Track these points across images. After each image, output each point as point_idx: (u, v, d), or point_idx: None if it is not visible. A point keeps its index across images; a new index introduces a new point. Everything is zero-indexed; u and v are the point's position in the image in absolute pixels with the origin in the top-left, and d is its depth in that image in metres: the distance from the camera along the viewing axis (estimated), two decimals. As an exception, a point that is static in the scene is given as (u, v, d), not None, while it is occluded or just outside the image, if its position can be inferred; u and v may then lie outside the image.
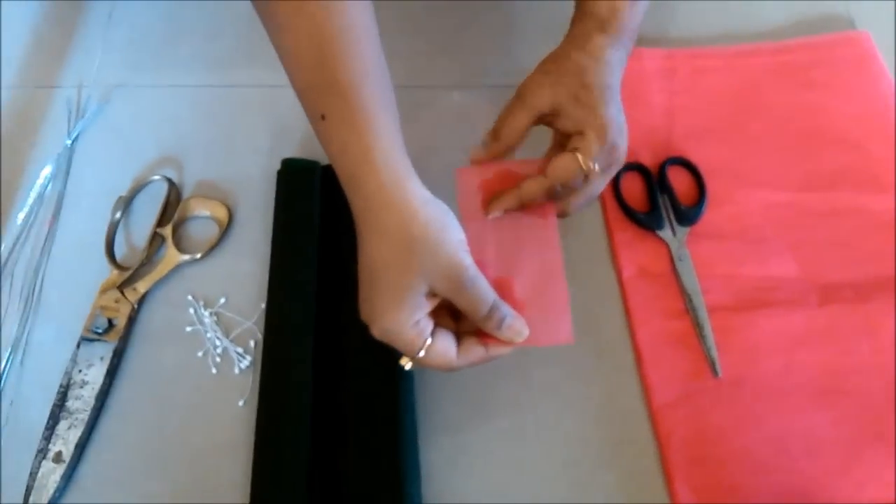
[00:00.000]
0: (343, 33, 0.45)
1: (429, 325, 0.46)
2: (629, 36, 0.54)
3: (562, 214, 0.53)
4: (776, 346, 0.57)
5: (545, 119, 0.53)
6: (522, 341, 0.47)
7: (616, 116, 0.51)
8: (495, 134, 0.53)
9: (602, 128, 0.50)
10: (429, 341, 0.45)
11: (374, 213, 0.45)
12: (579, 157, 0.50)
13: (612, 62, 0.52)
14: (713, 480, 0.52)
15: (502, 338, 0.47)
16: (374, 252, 0.45)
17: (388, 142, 0.45)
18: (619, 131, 0.51)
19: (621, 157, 0.52)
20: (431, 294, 0.45)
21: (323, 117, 0.46)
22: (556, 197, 0.52)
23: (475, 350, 0.47)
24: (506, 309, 0.47)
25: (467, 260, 0.45)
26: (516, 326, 0.47)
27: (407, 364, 0.48)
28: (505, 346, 0.48)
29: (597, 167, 0.50)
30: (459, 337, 0.48)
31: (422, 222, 0.44)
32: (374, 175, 0.45)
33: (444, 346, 0.46)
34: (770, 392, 0.55)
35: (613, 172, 0.53)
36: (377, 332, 0.46)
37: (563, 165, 0.50)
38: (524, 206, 0.52)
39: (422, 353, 0.45)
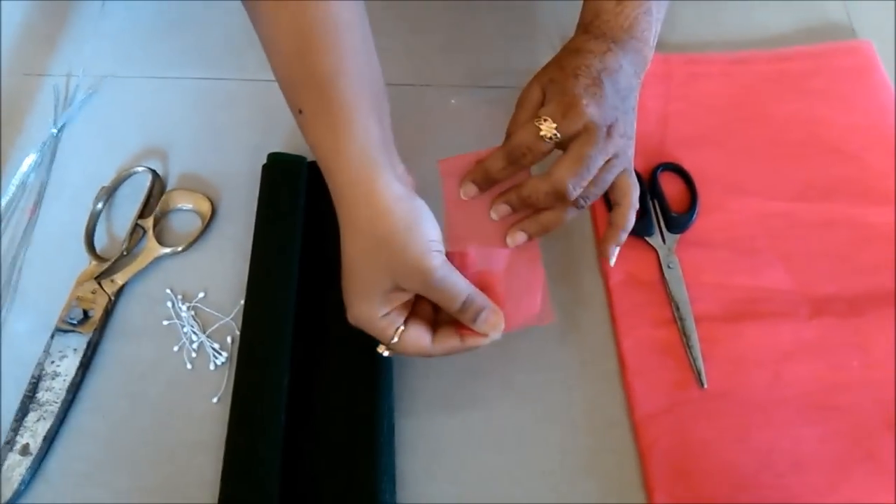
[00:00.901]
0: (323, 27, 0.45)
1: (399, 316, 0.47)
2: (622, 37, 0.53)
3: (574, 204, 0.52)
4: (764, 359, 0.55)
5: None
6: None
7: (584, 93, 0.49)
8: (509, 136, 0.52)
9: (570, 103, 0.49)
10: (401, 329, 0.46)
11: (345, 209, 0.46)
12: (538, 123, 0.49)
13: (593, 52, 0.52)
14: (695, 494, 0.51)
15: (479, 331, 0.47)
16: (348, 245, 0.46)
17: (363, 137, 0.45)
18: (598, 110, 0.49)
19: (620, 145, 0.51)
20: (401, 290, 0.45)
21: (300, 111, 0.46)
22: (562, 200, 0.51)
23: (450, 340, 0.48)
24: (482, 301, 0.47)
25: (436, 260, 0.45)
26: (492, 320, 0.47)
27: (384, 351, 0.49)
28: (481, 338, 0.48)
29: (557, 134, 0.49)
30: (437, 325, 0.48)
31: (390, 221, 0.44)
32: (346, 171, 0.45)
33: (416, 336, 0.47)
34: (757, 405, 0.54)
35: (618, 167, 0.52)
36: (351, 319, 0.47)
37: (521, 131, 0.50)
38: (494, 182, 0.52)
39: (395, 341, 0.46)
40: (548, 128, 0.49)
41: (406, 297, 0.47)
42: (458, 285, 0.46)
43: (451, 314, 0.47)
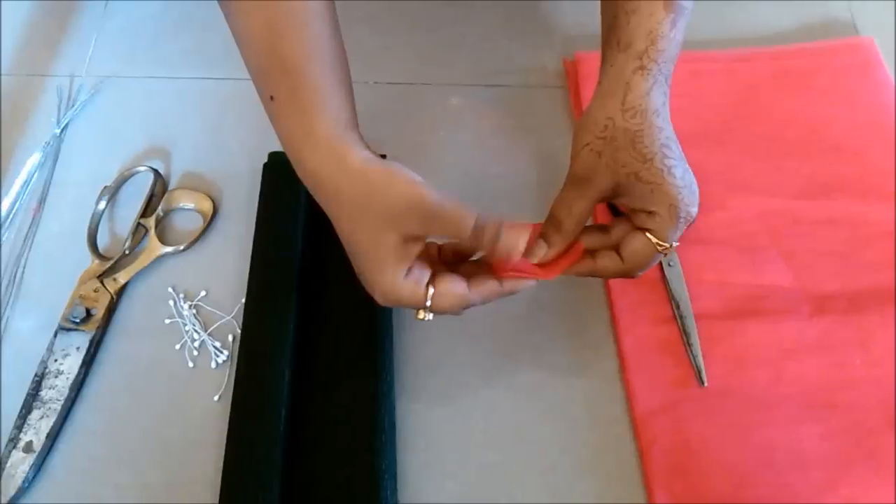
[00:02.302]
0: (292, 16, 0.45)
1: (424, 272, 0.45)
2: (671, 63, 0.48)
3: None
4: (765, 357, 0.55)
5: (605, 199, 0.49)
6: (543, 274, 0.46)
7: (682, 179, 0.46)
8: (556, 226, 0.48)
9: (673, 205, 0.45)
10: (431, 290, 0.45)
11: (323, 187, 0.45)
12: (653, 239, 0.46)
13: (660, 106, 0.46)
14: (695, 492, 0.50)
15: (504, 252, 0.44)
16: (340, 223, 0.46)
17: (334, 118, 0.45)
18: (691, 196, 0.46)
19: (694, 216, 0.47)
20: (409, 239, 0.44)
21: (272, 98, 0.46)
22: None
23: (488, 284, 0.46)
24: (497, 223, 0.44)
25: (423, 189, 0.43)
26: (515, 232, 0.44)
27: (425, 316, 0.46)
28: (521, 278, 0.46)
29: (674, 244, 0.47)
30: (469, 276, 0.46)
31: (367, 175, 0.44)
32: (316, 150, 0.45)
33: (449, 286, 0.45)
34: (757, 403, 0.53)
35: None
36: (379, 299, 0.46)
37: (637, 249, 0.47)
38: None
39: (429, 302, 0.45)
40: (660, 243, 0.46)
41: (417, 247, 0.44)
42: (461, 207, 0.43)
43: (469, 245, 0.45)
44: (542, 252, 0.48)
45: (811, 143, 0.64)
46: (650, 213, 0.46)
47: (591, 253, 0.49)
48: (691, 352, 0.55)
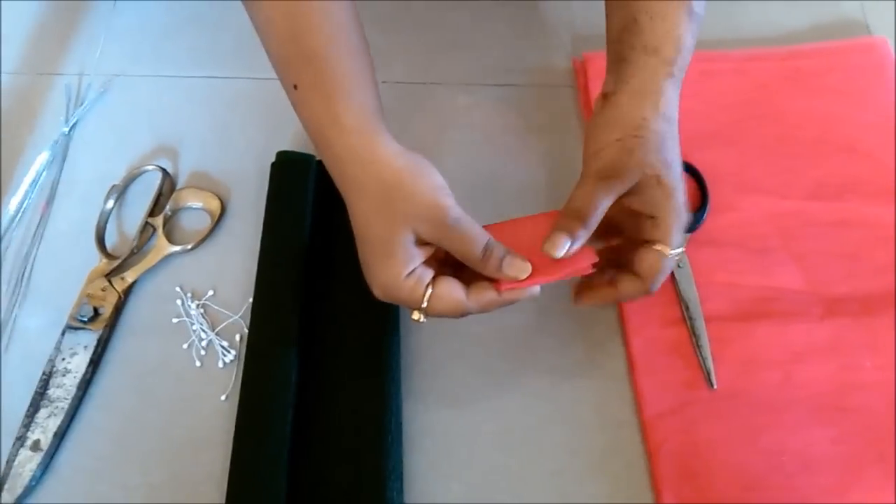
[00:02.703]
0: (314, 5, 0.46)
1: (427, 273, 0.45)
2: (684, 73, 0.50)
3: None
4: (775, 359, 0.55)
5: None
6: (543, 278, 0.45)
7: (684, 193, 0.47)
8: (582, 220, 0.46)
9: (677, 212, 0.47)
10: (430, 290, 0.45)
11: (348, 174, 0.46)
12: (661, 249, 0.47)
13: (677, 117, 0.49)
14: (703, 495, 0.50)
15: (506, 279, 0.45)
16: (357, 211, 0.46)
17: (357, 105, 0.46)
18: (686, 207, 0.48)
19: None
20: (421, 242, 0.45)
21: (295, 87, 0.47)
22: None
23: (487, 294, 0.45)
24: (503, 249, 0.45)
25: (448, 201, 0.44)
26: (517, 264, 0.45)
27: (419, 317, 0.46)
28: (519, 288, 0.45)
29: (682, 249, 0.48)
30: (469, 283, 0.46)
31: (395, 170, 0.45)
32: (344, 136, 0.45)
33: (448, 290, 0.45)
34: (767, 406, 0.53)
35: None
36: (377, 291, 0.46)
37: (651, 263, 0.47)
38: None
39: (425, 303, 0.45)
40: (668, 251, 0.47)
41: (426, 252, 0.45)
42: (475, 228, 0.44)
43: (474, 267, 0.45)
44: (567, 246, 0.45)
45: (823, 144, 0.64)
46: (655, 219, 0.47)
47: (609, 282, 0.49)
48: (700, 354, 0.55)
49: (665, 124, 0.48)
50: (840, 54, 0.68)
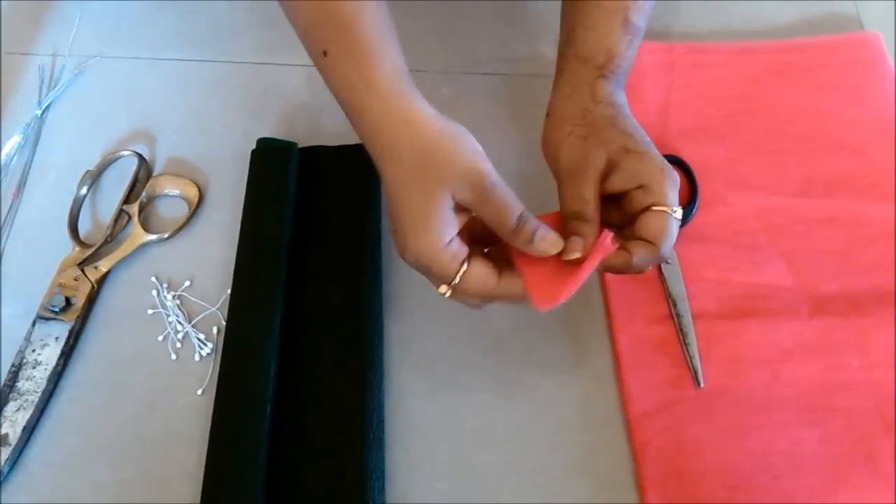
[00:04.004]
0: None
1: (463, 248, 0.44)
2: (626, 76, 0.52)
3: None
4: (763, 358, 0.54)
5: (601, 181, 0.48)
6: (582, 274, 0.44)
7: (661, 156, 0.47)
8: (581, 217, 0.46)
9: (662, 169, 0.46)
10: (465, 267, 0.44)
11: (383, 139, 0.45)
12: (662, 209, 0.46)
13: (624, 103, 0.50)
14: (689, 495, 0.50)
15: (536, 253, 0.44)
16: (392, 177, 0.44)
17: (390, 70, 0.45)
18: (669, 167, 0.47)
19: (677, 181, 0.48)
20: (458, 209, 0.44)
21: (325, 53, 0.46)
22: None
23: (516, 285, 0.45)
24: (536, 221, 0.44)
25: (487, 165, 0.44)
26: (550, 238, 0.44)
27: (446, 292, 0.45)
28: (562, 294, 0.44)
29: (678, 208, 0.47)
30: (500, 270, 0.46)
31: (433, 133, 0.44)
32: (379, 102, 0.45)
33: (482, 273, 0.44)
34: (754, 405, 0.52)
35: None
36: (410, 258, 0.45)
37: (657, 224, 0.46)
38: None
39: (457, 279, 0.44)
40: (670, 211, 0.46)
41: (462, 220, 0.44)
42: (512, 196, 0.44)
43: (505, 237, 0.44)
44: (580, 247, 0.45)
45: (813, 140, 0.63)
46: (643, 187, 0.46)
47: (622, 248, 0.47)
48: (688, 352, 0.54)
49: (609, 108, 0.49)
50: (832, 49, 0.68)
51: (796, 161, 0.62)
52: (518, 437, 0.52)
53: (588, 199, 0.46)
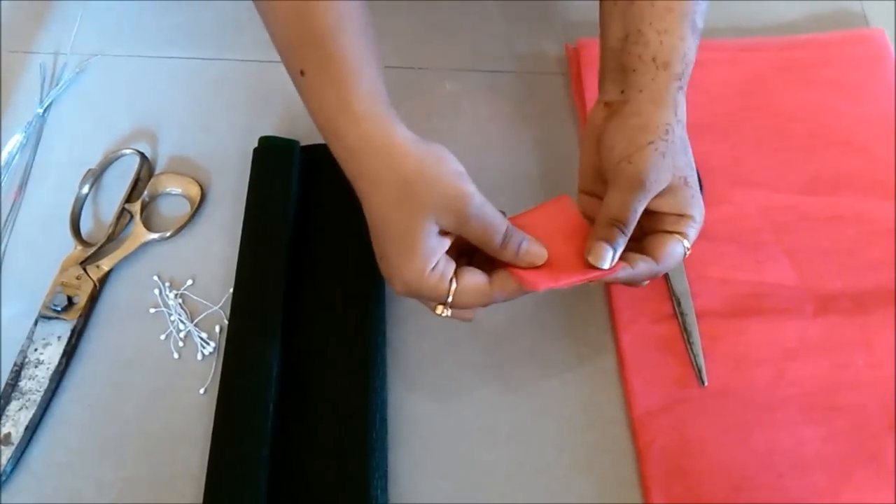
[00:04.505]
0: None
1: (449, 266, 0.44)
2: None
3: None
4: (767, 357, 0.54)
5: None
6: (577, 278, 0.45)
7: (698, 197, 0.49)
8: (623, 229, 0.46)
9: (702, 212, 0.48)
10: (454, 285, 0.44)
11: (362, 165, 0.44)
12: (685, 243, 0.47)
13: (675, 127, 0.49)
14: (693, 494, 0.49)
15: (523, 264, 0.45)
16: (373, 204, 0.44)
17: (368, 92, 0.44)
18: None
19: None
20: (442, 232, 0.43)
21: (302, 72, 0.45)
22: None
23: (509, 282, 0.45)
24: (521, 234, 0.45)
25: (470, 188, 0.43)
26: (534, 250, 0.45)
27: (443, 312, 0.45)
28: (553, 286, 0.45)
29: (689, 248, 0.48)
30: (490, 273, 0.46)
31: (413, 159, 0.43)
32: (356, 125, 0.43)
33: (473, 281, 0.44)
34: (758, 404, 0.52)
35: None
36: (399, 288, 0.44)
37: (674, 252, 0.47)
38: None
39: (451, 298, 0.44)
40: (688, 245, 0.48)
41: (447, 242, 0.44)
42: (497, 215, 0.44)
43: (493, 253, 0.45)
44: (610, 256, 0.45)
45: (818, 137, 0.63)
46: (682, 217, 0.47)
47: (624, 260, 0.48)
48: (692, 350, 0.54)
49: (683, 131, 0.49)
50: (837, 46, 0.67)
51: (801, 158, 0.62)
52: (521, 437, 0.52)
53: (635, 213, 0.46)
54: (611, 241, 0.45)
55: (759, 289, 0.56)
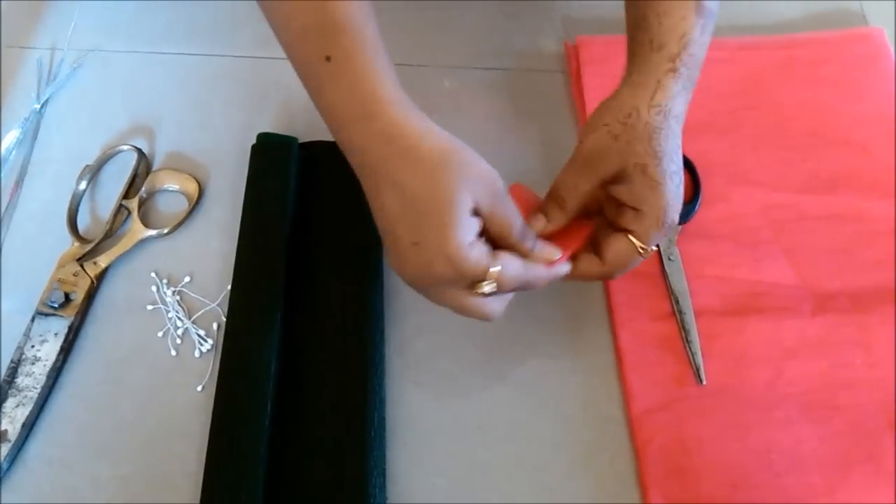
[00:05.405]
0: None
1: (485, 246, 0.44)
2: (698, 70, 0.50)
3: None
4: (765, 355, 0.54)
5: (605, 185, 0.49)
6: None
7: (677, 189, 0.47)
8: (559, 203, 0.48)
9: (662, 209, 0.46)
10: (498, 260, 0.43)
11: (401, 143, 0.43)
12: (635, 241, 0.47)
13: (680, 113, 0.48)
14: (691, 493, 0.49)
15: (537, 258, 0.46)
16: (409, 185, 0.42)
17: (393, 79, 0.44)
18: (677, 206, 0.47)
19: (673, 227, 0.49)
20: (476, 213, 0.43)
21: (328, 59, 0.44)
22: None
23: (537, 267, 0.46)
24: (532, 234, 0.46)
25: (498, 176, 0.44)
26: (547, 249, 0.47)
27: (486, 286, 0.44)
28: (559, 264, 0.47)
29: (653, 248, 0.48)
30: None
31: (446, 138, 0.43)
32: (390, 109, 0.43)
33: (511, 260, 0.44)
34: (756, 403, 0.52)
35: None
36: (440, 267, 0.42)
37: (619, 251, 0.47)
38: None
39: (496, 268, 0.43)
40: (641, 246, 0.47)
41: (479, 223, 0.44)
42: (514, 209, 0.45)
43: (509, 244, 0.45)
44: (541, 225, 0.48)
45: (817, 136, 0.63)
46: (638, 211, 0.47)
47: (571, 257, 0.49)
48: (690, 349, 0.54)
49: (659, 117, 0.47)
50: (836, 45, 0.67)
51: (799, 157, 0.62)
52: (519, 435, 0.52)
53: (577, 192, 0.48)
54: (548, 214, 0.48)
55: (757, 287, 0.56)
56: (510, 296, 0.47)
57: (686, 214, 0.59)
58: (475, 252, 0.42)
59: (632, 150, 0.46)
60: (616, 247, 0.47)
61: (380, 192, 0.43)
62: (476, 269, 0.43)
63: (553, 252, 0.47)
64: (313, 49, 0.45)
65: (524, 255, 0.45)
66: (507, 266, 0.44)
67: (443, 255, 0.42)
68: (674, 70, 0.48)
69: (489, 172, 0.43)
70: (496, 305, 0.46)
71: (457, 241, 0.42)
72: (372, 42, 0.45)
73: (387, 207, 0.43)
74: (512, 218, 0.44)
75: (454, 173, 0.42)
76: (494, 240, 0.45)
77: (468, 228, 0.42)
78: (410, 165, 0.43)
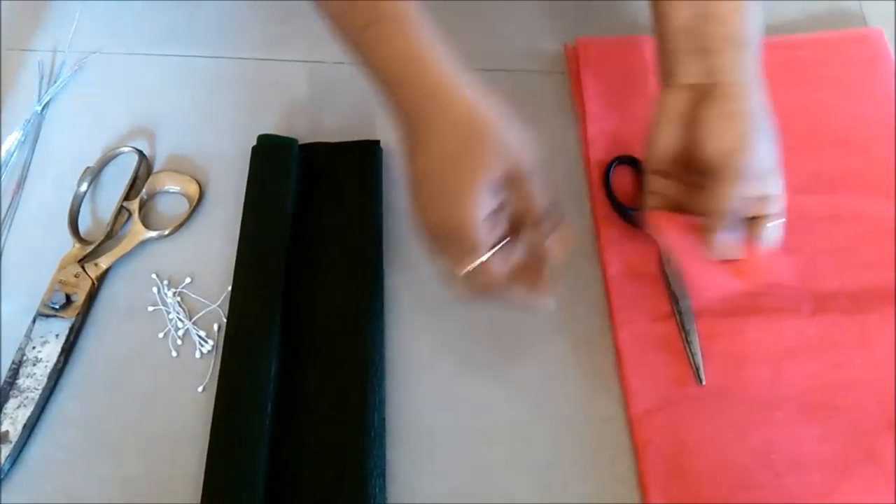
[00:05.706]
0: None
1: (494, 230, 0.45)
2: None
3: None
4: (765, 356, 0.54)
5: None
6: None
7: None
8: (725, 213, 0.51)
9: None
10: (483, 254, 0.44)
11: (438, 107, 0.45)
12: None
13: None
14: (691, 493, 0.49)
15: (554, 243, 0.47)
16: (441, 146, 0.44)
17: (436, 42, 0.46)
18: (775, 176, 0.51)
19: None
20: (497, 187, 0.44)
21: (369, 25, 0.46)
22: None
23: (521, 290, 0.47)
24: (549, 224, 0.47)
25: None
26: (560, 241, 0.47)
27: (470, 265, 0.45)
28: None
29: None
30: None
31: (489, 108, 0.44)
32: (433, 71, 0.45)
33: (501, 262, 0.45)
34: (756, 403, 0.52)
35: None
36: (456, 218, 0.44)
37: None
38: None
39: (483, 258, 0.44)
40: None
41: (497, 200, 0.45)
42: (537, 192, 0.46)
43: (534, 217, 0.46)
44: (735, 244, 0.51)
45: (816, 137, 0.63)
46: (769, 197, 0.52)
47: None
48: (690, 349, 0.54)
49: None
50: (835, 46, 0.67)
51: (799, 158, 0.62)
52: (519, 435, 0.52)
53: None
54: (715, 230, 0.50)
55: (756, 288, 0.56)
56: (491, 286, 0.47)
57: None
58: (479, 232, 0.44)
59: (746, 129, 0.50)
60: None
61: (426, 141, 0.45)
62: (472, 245, 0.44)
63: (553, 250, 0.47)
64: (353, 18, 0.47)
65: (537, 240, 0.46)
66: (493, 263, 0.45)
67: (458, 211, 0.44)
68: (758, 57, 0.51)
69: (519, 152, 0.44)
70: (472, 289, 0.46)
71: (466, 209, 0.43)
72: (414, 8, 0.46)
73: (429, 152, 0.45)
74: (530, 200, 0.45)
75: (488, 142, 0.43)
76: (515, 217, 0.46)
77: (482, 204, 0.44)
78: (450, 127, 0.44)
